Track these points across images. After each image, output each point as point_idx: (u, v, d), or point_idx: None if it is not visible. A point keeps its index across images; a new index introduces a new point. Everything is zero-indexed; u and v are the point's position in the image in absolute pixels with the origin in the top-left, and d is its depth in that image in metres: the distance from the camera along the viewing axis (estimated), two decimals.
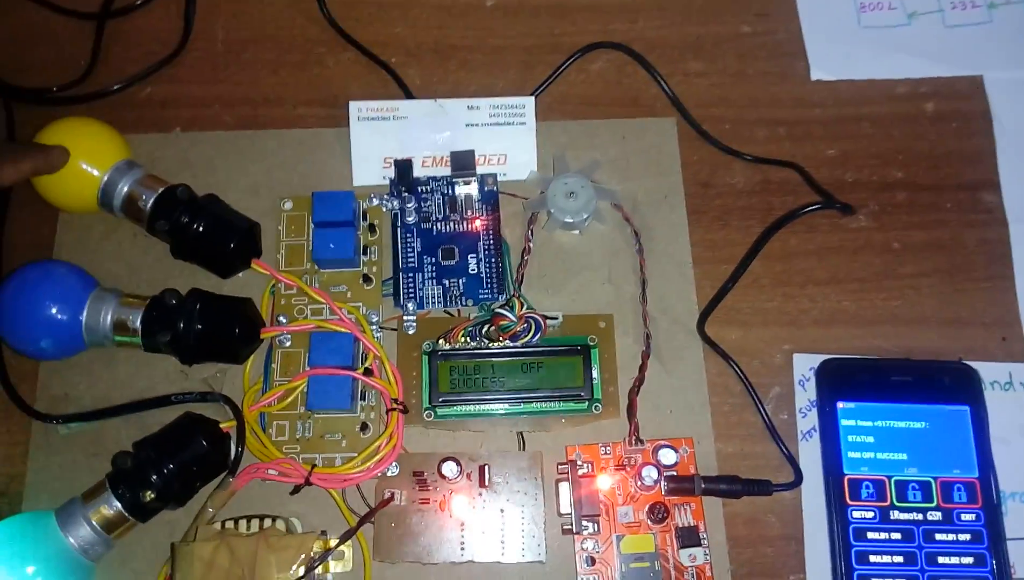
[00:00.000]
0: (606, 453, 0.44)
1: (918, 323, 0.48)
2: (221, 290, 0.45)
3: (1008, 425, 0.47)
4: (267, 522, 0.40)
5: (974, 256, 0.50)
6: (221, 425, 0.42)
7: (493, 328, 0.43)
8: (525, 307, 0.45)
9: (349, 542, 0.42)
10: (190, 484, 0.40)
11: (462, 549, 0.42)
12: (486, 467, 0.43)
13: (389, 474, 0.43)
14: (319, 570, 0.41)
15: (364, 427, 0.44)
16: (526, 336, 0.43)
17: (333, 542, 0.40)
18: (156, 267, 0.47)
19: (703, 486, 0.43)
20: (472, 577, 0.43)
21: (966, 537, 0.43)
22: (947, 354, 0.48)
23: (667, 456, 0.43)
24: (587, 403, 0.45)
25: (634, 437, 0.44)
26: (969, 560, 0.43)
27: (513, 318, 0.43)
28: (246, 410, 0.43)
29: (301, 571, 0.38)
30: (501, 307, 0.43)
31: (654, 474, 0.42)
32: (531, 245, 0.47)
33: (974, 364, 0.47)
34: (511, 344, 0.44)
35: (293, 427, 0.44)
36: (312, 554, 0.39)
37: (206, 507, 0.40)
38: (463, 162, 0.48)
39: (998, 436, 0.46)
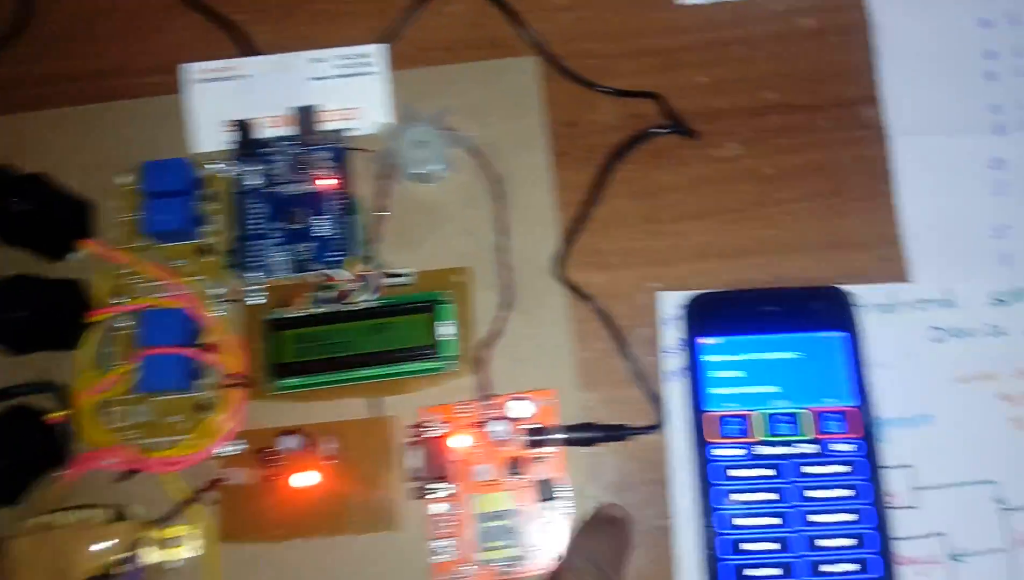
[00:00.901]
0: (463, 411, 0.43)
1: (793, 250, 0.46)
2: (55, 273, 0.43)
3: (888, 349, 0.45)
4: (95, 512, 0.39)
5: (852, 175, 0.47)
6: (52, 415, 0.41)
7: (326, 291, 0.41)
8: (375, 265, 0.43)
9: (198, 527, 0.41)
10: (19, 481, 0.39)
11: (313, 524, 0.41)
12: (335, 437, 0.42)
13: (230, 452, 0.42)
14: (167, 556, 0.40)
15: (205, 406, 0.42)
16: (360, 294, 0.41)
17: (171, 530, 0.39)
18: None
19: (557, 436, 0.42)
20: (326, 552, 0.41)
21: (842, 469, 0.42)
22: (825, 280, 0.45)
23: (517, 409, 0.41)
24: (441, 362, 0.43)
25: (483, 393, 0.42)
26: (846, 492, 0.41)
27: (342, 277, 0.41)
28: (81, 397, 0.42)
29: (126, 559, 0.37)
30: (332, 267, 0.41)
31: (501, 428, 0.41)
32: (386, 201, 0.45)
33: (852, 287, 0.45)
34: (355, 306, 0.42)
35: (132, 412, 0.42)
36: (139, 542, 0.38)
37: (37, 501, 0.39)
38: (306, 119, 0.45)
39: (878, 361, 0.44)
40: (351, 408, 0.43)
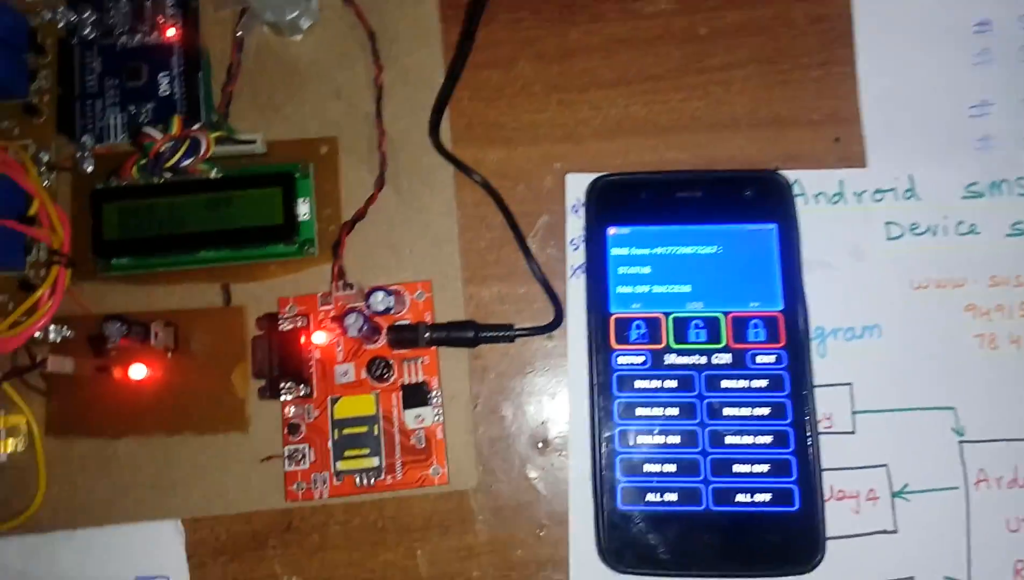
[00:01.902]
0: (325, 303, 0.37)
1: (726, 127, 0.39)
2: None
3: (834, 246, 0.38)
4: None
5: (804, 37, 0.39)
6: None
7: (146, 158, 0.35)
8: (224, 130, 0.37)
9: (23, 417, 0.36)
10: None
11: (151, 422, 0.36)
12: (175, 328, 0.36)
13: (55, 337, 0.36)
14: None
15: (28, 285, 0.37)
16: (174, 156, 0.35)
17: None
18: None
19: (429, 335, 0.36)
20: (165, 452, 0.36)
21: (761, 383, 0.35)
22: (764, 164, 0.38)
23: (380, 301, 0.35)
24: (297, 245, 0.37)
25: (339, 282, 0.36)
26: (763, 411, 0.35)
27: (156, 136, 0.34)
28: None
29: None
30: (150, 125, 0.35)
31: (359, 323, 0.34)
32: (240, 57, 0.39)
33: (797, 173, 0.38)
34: (193, 176, 0.36)
35: None
36: None
37: None
38: None
39: (820, 260, 0.37)
40: (200, 294, 0.38)
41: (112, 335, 0.34)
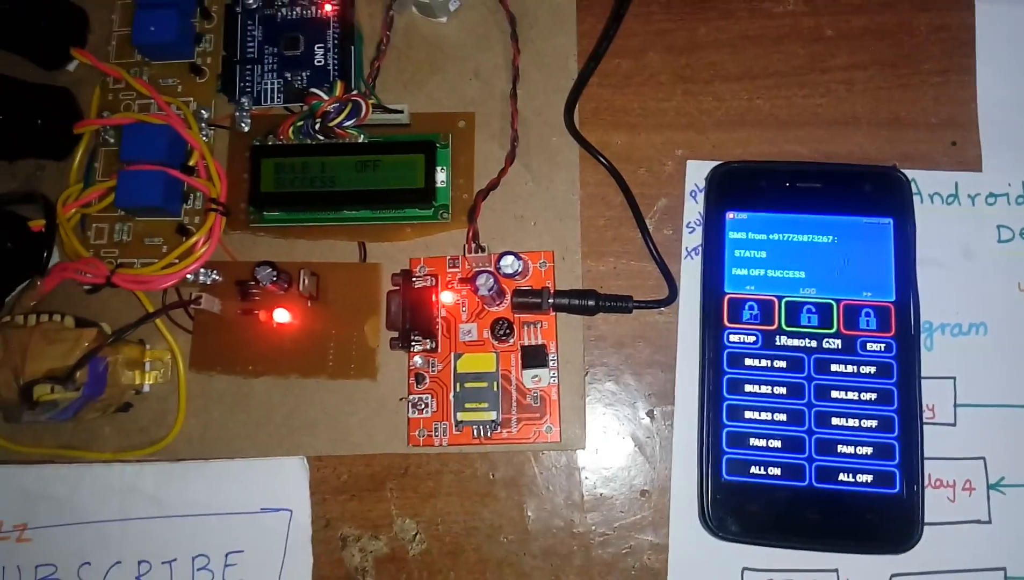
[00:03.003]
0: (453, 266, 0.39)
1: (846, 124, 0.40)
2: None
3: (947, 245, 0.39)
4: (62, 318, 0.37)
5: (927, 44, 0.40)
6: (31, 224, 0.39)
7: (310, 114, 0.38)
8: (371, 98, 0.40)
9: (167, 351, 0.39)
10: None
11: (287, 364, 0.39)
12: (317, 278, 0.39)
13: (204, 280, 0.39)
14: (136, 380, 0.39)
15: (183, 230, 0.40)
16: (338, 117, 0.37)
17: (137, 349, 0.38)
18: None
19: (551, 301, 0.38)
20: (297, 393, 0.39)
21: (869, 370, 0.37)
22: (879, 161, 0.40)
23: (510, 265, 0.37)
24: (432, 209, 0.39)
25: (473, 244, 0.38)
26: (870, 396, 0.36)
27: (324, 96, 0.37)
28: (61, 209, 0.40)
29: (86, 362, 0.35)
30: (317, 87, 0.38)
31: (490, 283, 0.37)
32: (389, 34, 0.41)
33: (913, 172, 0.39)
34: (342, 139, 0.39)
35: (112, 230, 0.40)
36: (101, 349, 0.36)
37: (13, 307, 0.38)
38: None
39: (933, 258, 0.39)
40: (338, 251, 0.40)
41: (263, 279, 0.37)
